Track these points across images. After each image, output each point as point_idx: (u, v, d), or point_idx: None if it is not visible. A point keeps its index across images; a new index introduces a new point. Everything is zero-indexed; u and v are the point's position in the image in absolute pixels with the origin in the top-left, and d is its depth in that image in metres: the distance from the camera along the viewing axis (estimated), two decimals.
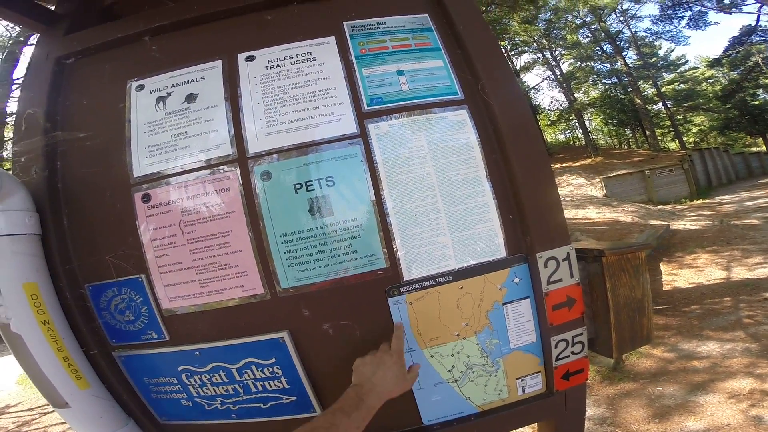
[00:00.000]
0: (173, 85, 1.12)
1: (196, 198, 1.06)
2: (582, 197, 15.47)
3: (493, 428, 1.18)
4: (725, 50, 26.85)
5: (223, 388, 1.11)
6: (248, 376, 1.09)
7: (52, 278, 1.05)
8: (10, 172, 1.09)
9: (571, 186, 18.65)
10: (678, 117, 30.45)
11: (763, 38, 24.41)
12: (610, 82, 29.57)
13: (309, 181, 1.06)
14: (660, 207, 14.51)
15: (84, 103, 1.17)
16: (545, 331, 1.12)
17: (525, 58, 28.58)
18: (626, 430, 2.85)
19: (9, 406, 5.61)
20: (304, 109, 1.09)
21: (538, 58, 27.69)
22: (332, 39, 1.17)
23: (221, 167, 1.06)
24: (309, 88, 1.11)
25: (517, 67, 28.09)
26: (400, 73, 1.15)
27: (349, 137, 1.08)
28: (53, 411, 1.09)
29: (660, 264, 6.76)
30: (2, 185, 0.96)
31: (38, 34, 1.27)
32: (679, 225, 10.18)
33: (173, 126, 1.09)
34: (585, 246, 1.27)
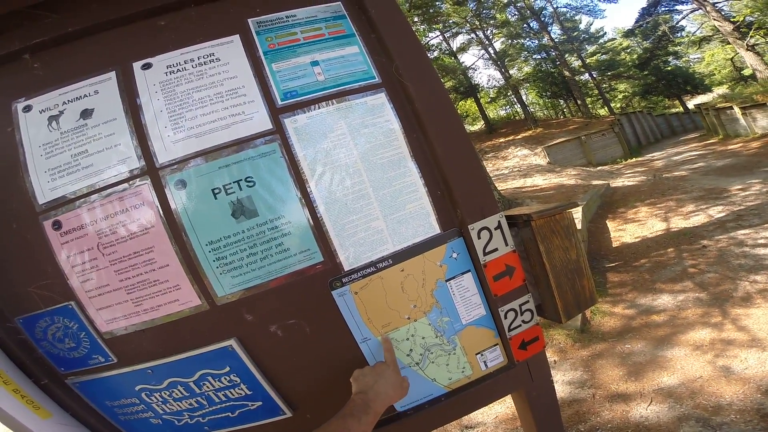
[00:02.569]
0: (65, 102, 1.04)
1: (111, 217, 0.99)
2: (528, 167, 16.14)
3: (466, 406, 1.21)
4: (636, 21, 28.99)
5: (186, 402, 1.09)
6: (207, 387, 1.07)
7: None
8: None
9: (516, 157, 19.46)
10: (604, 85, 32.48)
11: (666, 8, 26.55)
12: (539, 57, 30.78)
13: (227, 185, 1.02)
14: (599, 168, 15.51)
15: None
16: (492, 303, 1.14)
17: (460, 39, 28.66)
18: (607, 391, 2.86)
19: None
20: (213, 111, 1.04)
21: (472, 38, 27.91)
22: (236, 37, 1.11)
23: (131, 182, 1.00)
24: (215, 90, 1.06)
25: (454, 48, 28.43)
26: (315, 63, 1.13)
27: (264, 134, 1.05)
28: None
29: (606, 222, 7.15)
30: None
31: None
32: (618, 182, 10.90)
33: (71, 145, 1.01)
34: (514, 212, 1.29)
